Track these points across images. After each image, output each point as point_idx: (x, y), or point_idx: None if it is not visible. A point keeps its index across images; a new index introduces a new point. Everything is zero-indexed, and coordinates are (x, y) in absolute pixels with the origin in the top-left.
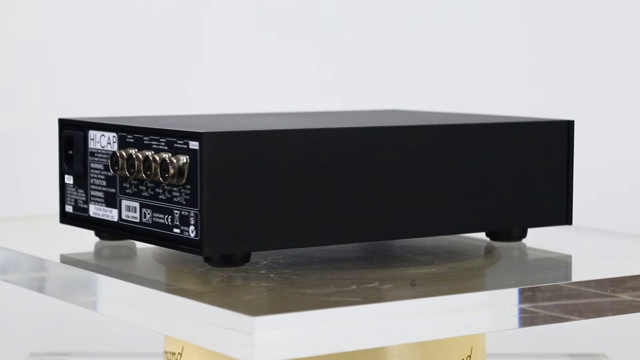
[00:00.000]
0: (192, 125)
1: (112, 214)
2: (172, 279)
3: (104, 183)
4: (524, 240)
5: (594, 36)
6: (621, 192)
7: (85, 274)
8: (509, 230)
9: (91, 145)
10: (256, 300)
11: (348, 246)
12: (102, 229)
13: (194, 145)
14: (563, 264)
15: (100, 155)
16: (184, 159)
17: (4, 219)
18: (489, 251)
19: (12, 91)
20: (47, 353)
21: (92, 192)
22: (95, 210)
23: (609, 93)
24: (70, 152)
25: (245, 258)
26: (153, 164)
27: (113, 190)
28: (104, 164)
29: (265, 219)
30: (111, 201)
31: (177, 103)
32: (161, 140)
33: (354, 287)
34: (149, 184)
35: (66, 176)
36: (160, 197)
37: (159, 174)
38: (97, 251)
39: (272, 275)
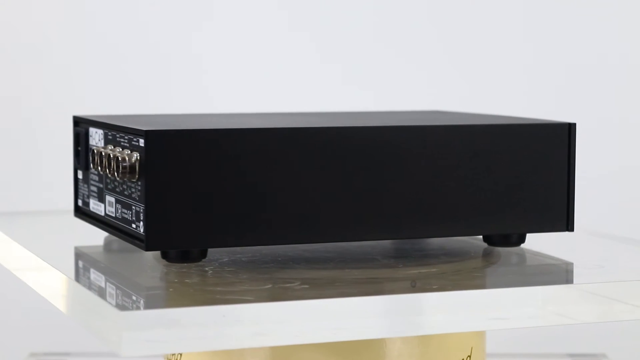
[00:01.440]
0: (147, 123)
1: (100, 209)
2: (125, 270)
3: (97, 178)
4: (522, 246)
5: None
6: (623, 195)
7: (40, 263)
8: (507, 235)
9: (90, 141)
10: (151, 295)
11: (330, 246)
12: (96, 223)
13: (142, 142)
14: (557, 268)
15: None
16: (135, 155)
17: (22, 214)
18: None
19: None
20: (47, 353)
21: (91, 187)
22: (93, 205)
23: (610, 95)
24: (79, 148)
25: (202, 254)
26: (112, 161)
27: (101, 186)
28: None
29: (210, 217)
30: (101, 196)
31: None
32: (125, 137)
33: (269, 286)
34: (119, 180)
35: (78, 171)
36: (125, 193)
37: (115, 170)
38: (106, 244)
39: (210, 272)
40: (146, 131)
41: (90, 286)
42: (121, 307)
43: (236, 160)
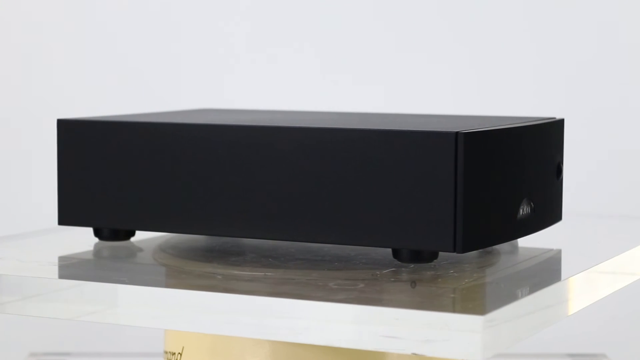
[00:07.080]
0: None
1: None
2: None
3: None
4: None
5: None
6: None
7: None
8: (417, 251)
9: None
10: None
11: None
12: None
13: None
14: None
15: None
16: None
17: None
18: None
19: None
20: (47, 353)
21: None
22: None
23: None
24: None
25: (129, 234)
26: None
27: None
28: None
29: (111, 201)
30: None
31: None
32: None
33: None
34: None
35: None
36: None
37: None
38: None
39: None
40: (57, 120)
41: None
42: None
43: (135, 152)
